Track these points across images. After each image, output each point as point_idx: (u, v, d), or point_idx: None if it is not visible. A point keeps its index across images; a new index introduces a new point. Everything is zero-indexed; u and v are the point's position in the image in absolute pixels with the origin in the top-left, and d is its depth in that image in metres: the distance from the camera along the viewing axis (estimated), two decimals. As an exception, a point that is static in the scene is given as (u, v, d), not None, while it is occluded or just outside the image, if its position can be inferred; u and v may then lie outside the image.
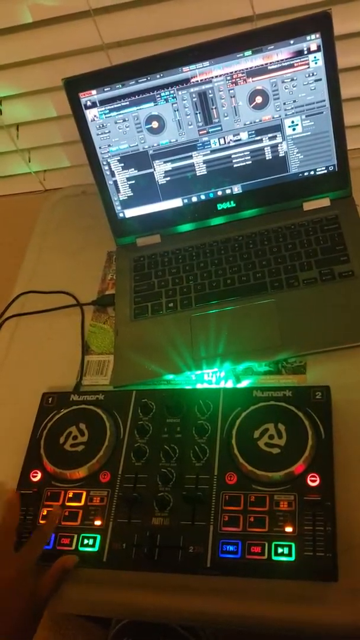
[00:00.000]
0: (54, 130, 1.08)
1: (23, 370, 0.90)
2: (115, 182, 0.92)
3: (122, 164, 0.91)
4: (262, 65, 0.82)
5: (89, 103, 0.86)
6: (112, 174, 0.92)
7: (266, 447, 0.68)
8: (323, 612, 0.61)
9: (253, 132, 0.88)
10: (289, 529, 0.63)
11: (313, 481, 0.65)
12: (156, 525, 0.67)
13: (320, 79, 0.83)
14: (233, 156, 0.90)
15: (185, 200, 0.94)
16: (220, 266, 0.89)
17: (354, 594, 0.61)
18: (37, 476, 0.73)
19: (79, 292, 0.96)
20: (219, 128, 0.88)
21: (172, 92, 0.85)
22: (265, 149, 0.89)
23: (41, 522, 0.70)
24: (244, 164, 0.90)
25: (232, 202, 0.93)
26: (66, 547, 0.67)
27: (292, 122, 0.87)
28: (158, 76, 0.84)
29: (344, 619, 0.60)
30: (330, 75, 0.83)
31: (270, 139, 0.88)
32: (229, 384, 0.78)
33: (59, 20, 0.93)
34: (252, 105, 0.86)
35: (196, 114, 0.87)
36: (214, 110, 0.86)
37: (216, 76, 0.84)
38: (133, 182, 0.92)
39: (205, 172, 0.91)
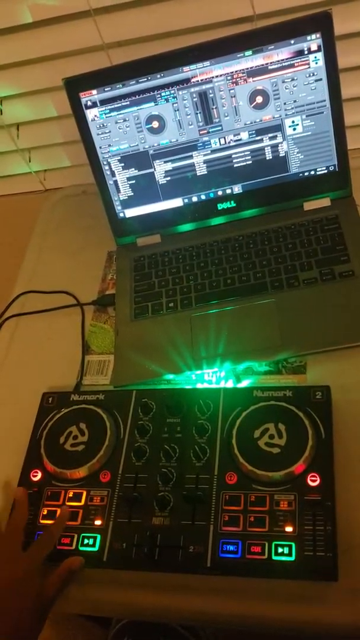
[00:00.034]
0: (55, 130, 1.08)
1: (23, 370, 0.90)
2: (115, 181, 0.93)
3: (123, 164, 0.91)
4: (262, 65, 0.83)
5: (89, 103, 0.86)
6: (113, 173, 0.92)
7: (266, 447, 0.68)
8: (323, 612, 0.61)
9: (253, 132, 0.88)
10: (289, 529, 0.63)
11: (313, 481, 0.65)
12: (156, 525, 0.67)
13: (320, 79, 0.83)
14: (233, 156, 0.90)
15: (186, 200, 0.94)
16: (221, 266, 0.89)
17: (354, 594, 0.61)
18: (37, 476, 0.73)
19: (79, 292, 0.96)
20: (220, 128, 0.88)
21: (172, 92, 0.85)
22: (266, 148, 0.89)
23: (41, 521, 0.70)
24: (244, 163, 0.90)
25: (232, 202, 0.93)
26: (66, 546, 0.67)
27: (293, 122, 0.87)
28: (158, 76, 0.84)
29: (344, 619, 0.60)
30: (330, 75, 0.83)
31: (270, 138, 0.88)
32: (229, 384, 0.78)
33: (59, 20, 0.93)
34: (252, 105, 0.86)
35: (196, 113, 0.87)
36: (215, 110, 0.86)
37: (216, 76, 0.84)
38: (133, 181, 0.92)
39: (206, 172, 0.91)
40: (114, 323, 0.90)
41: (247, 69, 0.83)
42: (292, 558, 0.61)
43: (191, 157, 0.90)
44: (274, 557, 0.62)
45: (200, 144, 0.89)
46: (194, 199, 0.93)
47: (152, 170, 0.91)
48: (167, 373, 0.80)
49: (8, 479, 0.76)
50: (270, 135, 0.88)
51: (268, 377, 0.78)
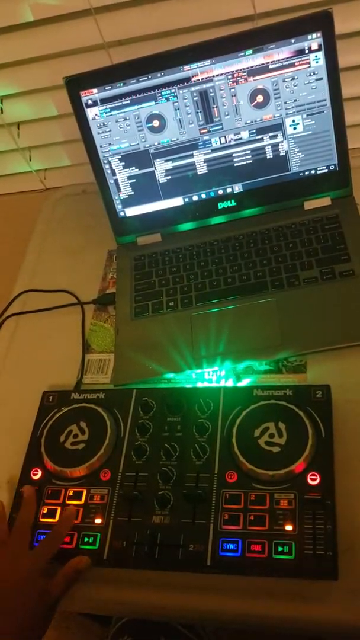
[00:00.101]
0: (55, 129, 1.08)
1: (24, 368, 0.90)
2: (116, 180, 0.93)
3: (123, 163, 0.91)
4: (263, 64, 0.83)
5: (90, 102, 0.86)
6: (113, 172, 0.92)
7: (266, 446, 0.68)
8: (323, 611, 0.61)
9: (254, 131, 0.88)
10: (289, 528, 0.63)
11: (313, 480, 0.65)
12: (156, 523, 0.67)
13: (321, 78, 0.83)
14: (234, 155, 0.90)
15: (186, 199, 0.94)
16: (221, 265, 0.89)
17: (354, 593, 0.61)
18: (37, 474, 0.73)
19: (79, 291, 0.96)
20: (220, 127, 0.88)
21: (173, 90, 0.85)
22: (266, 148, 0.89)
23: (42, 520, 0.70)
24: (244, 163, 0.90)
25: (232, 201, 0.93)
26: (67, 545, 0.67)
27: (293, 121, 0.87)
28: (159, 75, 0.84)
29: (344, 618, 0.60)
30: (331, 74, 0.83)
31: (271, 138, 0.88)
32: (230, 383, 0.78)
33: (60, 19, 0.93)
34: (253, 104, 0.86)
35: (197, 112, 0.87)
36: (215, 109, 0.86)
37: (217, 75, 0.84)
38: (134, 180, 0.92)
39: (206, 171, 0.91)
40: (115, 322, 0.90)
41: (248, 68, 0.83)
42: (292, 557, 0.61)
43: (192, 156, 0.90)
44: (274, 556, 0.62)
45: (201, 143, 0.89)
46: (195, 198, 0.93)
47: (152, 169, 0.91)
48: (167, 372, 0.81)
49: (8, 477, 0.76)
50: (270, 134, 0.88)
51: (268, 376, 0.78)
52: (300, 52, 0.81)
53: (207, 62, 0.83)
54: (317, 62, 0.82)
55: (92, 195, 1.01)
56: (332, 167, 0.90)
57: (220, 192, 0.93)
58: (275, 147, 0.89)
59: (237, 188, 0.92)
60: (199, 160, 0.90)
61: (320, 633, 0.66)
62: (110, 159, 0.91)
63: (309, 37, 0.80)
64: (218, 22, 0.91)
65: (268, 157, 0.90)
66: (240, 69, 0.83)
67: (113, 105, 0.86)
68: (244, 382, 0.78)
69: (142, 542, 0.66)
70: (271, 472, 0.65)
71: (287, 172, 0.91)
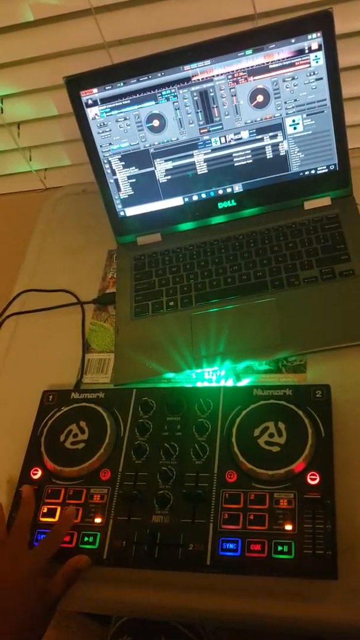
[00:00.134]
0: (55, 128, 1.08)
1: (23, 368, 0.90)
2: (116, 180, 0.93)
3: (123, 163, 0.91)
4: (263, 64, 0.83)
5: (90, 101, 0.86)
6: (113, 172, 0.92)
7: (266, 446, 0.68)
8: (323, 610, 0.61)
9: (254, 130, 0.88)
10: (288, 527, 0.63)
11: (313, 479, 0.65)
12: (156, 523, 0.67)
13: (321, 78, 0.83)
14: (234, 155, 0.90)
15: (186, 199, 0.94)
16: (221, 265, 0.89)
17: (354, 593, 0.61)
18: (37, 474, 0.73)
19: (79, 291, 0.96)
20: (220, 127, 0.88)
21: (173, 90, 0.85)
22: (266, 147, 0.89)
23: (41, 519, 0.70)
24: (244, 162, 0.90)
25: (232, 200, 0.93)
26: (66, 544, 0.67)
27: (293, 121, 0.87)
28: (159, 75, 0.84)
29: (344, 618, 0.60)
30: (331, 74, 0.83)
31: (271, 137, 0.88)
32: (229, 383, 0.78)
33: (60, 19, 0.93)
34: (253, 104, 0.86)
35: (197, 112, 0.87)
36: (215, 109, 0.86)
37: (217, 75, 0.84)
38: (134, 180, 0.92)
39: (206, 171, 0.91)
40: (114, 322, 0.90)
41: (248, 67, 0.83)
42: (292, 556, 0.61)
43: (192, 155, 0.90)
44: (274, 556, 0.62)
45: (201, 143, 0.89)
46: (195, 197, 0.94)
47: (152, 169, 0.91)
48: (167, 371, 0.81)
49: (8, 476, 0.76)
50: (270, 134, 0.88)
51: (268, 375, 0.78)
52: (300, 52, 0.82)
53: (207, 62, 0.83)
54: (317, 62, 0.82)
55: (92, 195, 1.01)
56: (332, 167, 0.90)
57: (220, 192, 0.93)
58: (275, 147, 0.89)
59: (237, 188, 0.92)
60: (199, 160, 0.90)
61: (320, 633, 0.66)
62: (110, 158, 0.91)
63: (309, 37, 0.81)
64: (218, 22, 0.91)
65: (268, 157, 0.90)
66: (240, 69, 0.83)
67: (113, 105, 0.87)
68: (244, 382, 0.78)
69: (141, 541, 0.66)
70: (271, 472, 0.65)
71: (287, 172, 0.91)
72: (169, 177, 0.92)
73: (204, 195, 0.93)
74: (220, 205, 0.94)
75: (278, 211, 0.93)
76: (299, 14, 0.81)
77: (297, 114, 0.86)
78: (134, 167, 0.91)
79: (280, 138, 0.88)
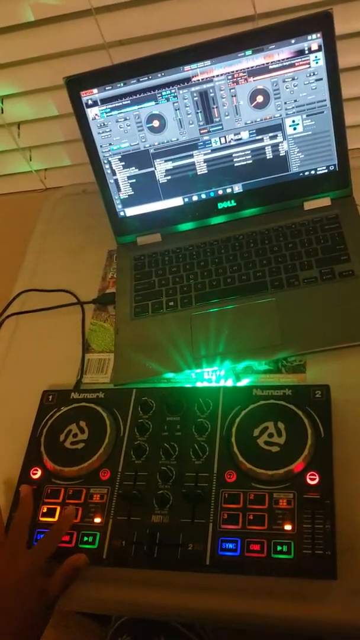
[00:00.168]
0: (55, 128, 1.08)
1: (23, 368, 0.90)
2: (116, 180, 0.93)
3: (123, 163, 0.91)
4: (263, 64, 0.83)
5: (90, 102, 0.87)
6: (113, 172, 0.92)
7: (266, 446, 0.68)
8: (322, 610, 0.61)
9: (254, 131, 0.88)
10: (288, 527, 0.63)
11: (312, 479, 0.65)
12: (156, 522, 0.67)
13: (321, 79, 0.83)
14: (234, 155, 0.90)
15: (186, 199, 0.94)
16: (221, 265, 0.90)
17: (354, 593, 0.61)
18: (37, 473, 0.73)
19: (79, 291, 0.96)
20: (220, 127, 0.88)
21: (173, 91, 0.85)
22: (266, 148, 0.89)
23: (41, 519, 0.70)
24: (244, 163, 0.90)
25: (232, 201, 0.93)
26: (66, 544, 0.67)
27: (293, 121, 0.87)
28: (159, 75, 0.84)
29: (344, 618, 0.60)
30: (331, 74, 0.83)
31: (271, 138, 0.88)
32: (229, 383, 0.78)
33: (61, 19, 0.93)
34: (253, 104, 0.86)
35: (197, 113, 0.87)
36: (215, 109, 0.86)
37: (217, 75, 0.84)
38: (134, 180, 0.93)
39: (206, 171, 0.91)
40: (114, 322, 0.90)
41: (248, 68, 0.83)
42: (291, 556, 0.61)
43: (192, 156, 0.90)
44: (273, 555, 0.62)
45: (201, 143, 0.89)
46: (195, 198, 0.94)
47: (152, 169, 0.91)
48: (167, 371, 0.81)
49: (8, 476, 0.76)
50: (270, 134, 0.88)
51: (268, 376, 0.78)
52: (301, 53, 0.82)
53: (208, 62, 0.83)
54: (317, 63, 0.82)
55: (92, 195, 1.01)
56: (332, 168, 0.90)
57: (220, 192, 0.93)
58: (275, 147, 0.89)
59: (237, 188, 0.92)
60: (199, 160, 0.90)
61: (319, 633, 0.66)
62: (110, 158, 0.91)
63: (309, 37, 0.81)
64: (218, 22, 0.91)
65: (268, 158, 0.90)
66: (241, 69, 0.83)
67: (113, 105, 0.87)
68: (244, 382, 0.78)
69: (141, 541, 0.66)
70: (270, 472, 0.65)
71: (287, 172, 0.91)
72: (169, 177, 0.92)
73: (203, 196, 0.93)
74: (220, 205, 0.94)
75: (278, 211, 0.93)
76: (299, 14, 0.82)
77: (297, 115, 0.86)
78: (134, 168, 0.91)
79: (280, 138, 0.88)
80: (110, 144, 0.90)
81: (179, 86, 0.85)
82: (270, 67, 0.83)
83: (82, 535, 0.68)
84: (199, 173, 0.91)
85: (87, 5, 0.89)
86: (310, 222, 0.90)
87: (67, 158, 1.13)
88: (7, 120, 1.07)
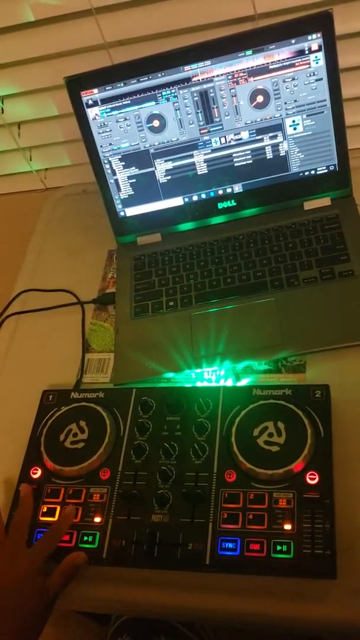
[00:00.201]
0: (56, 128, 1.08)
1: (23, 368, 0.90)
2: (116, 180, 0.93)
3: (123, 163, 0.91)
4: (263, 64, 0.83)
5: (90, 102, 0.87)
6: (113, 172, 0.92)
7: (265, 445, 0.68)
8: (322, 610, 0.61)
9: (254, 131, 0.88)
10: (287, 527, 0.63)
11: (312, 479, 0.65)
12: (156, 522, 0.67)
13: (321, 79, 0.83)
14: (234, 155, 0.90)
15: (186, 199, 0.94)
16: (221, 265, 0.90)
17: (354, 593, 0.61)
18: (37, 473, 0.73)
19: (79, 291, 0.96)
20: (220, 127, 0.88)
21: (173, 91, 0.85)
22: (266, 148, 0.89)
23: (41, 519, 0.70)
24: (244, 163, 0.90)
25: (232, 201, 0.93)
26: (66, 543, 0.67)
27: (293, 121, 0.87)
28: (159, 75, 0.84)
29: (344, 618, 0.60)
30: (331, 74, 0.83)
31: (271, 138, 0.88)
32: (229, 383, 0.78)
33: (61, 19, 0.93)
34: (253, 104, 0.86)
35: (197, 113, 0.87)
36: (215, 109, 0.86)
37: (217, 75, 0.84)
38: (134, 180, 0.93)
39: (206, 171, 0.91)
40: (114, 321, 0.90)
41: (248, 68, 0.83)
42: (291, 556, 0.61)
43: (192, 156, 0.90)
44: (273, 555, 0.62)
45: (201, 143, 0.89)
46: (195, 198, 0.94)
47: (152, 169, 0.91)
48: (167, 371, 0.81)
49: (8, 476, 0.76)
50: (270, 134, 0.88)
51: (267, 375, 0.79)
52: (301, 53, 0.82)
53: (208, 62, 0.83)
54: (317, 63, 0.82)
55: (92, 195, 1.01)
56: (332, 168, 0.90)
57: (220, 192, 0.93)
58: (275, 147, 0.89)
59: (237, 188, 0.93)
60: (199, 160, 0.90)
61: (319, 632, 0.66)
62: (110, 158, 0.91)
63: (309, 37, 0.81)
64: (218, 22, 0.91)
65: (268, 157, 0.90)
66: (241, 69, 0.83)
67: (113, 105, 0.87)
68: (244, 382, 0.78)
69: (141, 541, 0.66)
70: (270, 472, 0.66)
71: (287, 172, 0.91)
72: (169, 177, 0.92)
73: (203, 196, 0.93)
74: (220, 205, 0.94)
75: (278, 211, 0.93)
76: (299, 14, 0.82)
77: (297, 115, 0.86)
78: (134, 167, 0.92)
79: (280, 138, 0.88)
80: (110, 144, 0.90)
81: (179, 86, 0.85)
82: (271, 67, 0.83)
83: (82, 535, 0.68)
84: (199, 173, 0.91)
85: (87, 5, 0.90)
86: (310, 222, 0.90)
87: (67, 158, 1.13)
88: (7, 120, 1.07)
